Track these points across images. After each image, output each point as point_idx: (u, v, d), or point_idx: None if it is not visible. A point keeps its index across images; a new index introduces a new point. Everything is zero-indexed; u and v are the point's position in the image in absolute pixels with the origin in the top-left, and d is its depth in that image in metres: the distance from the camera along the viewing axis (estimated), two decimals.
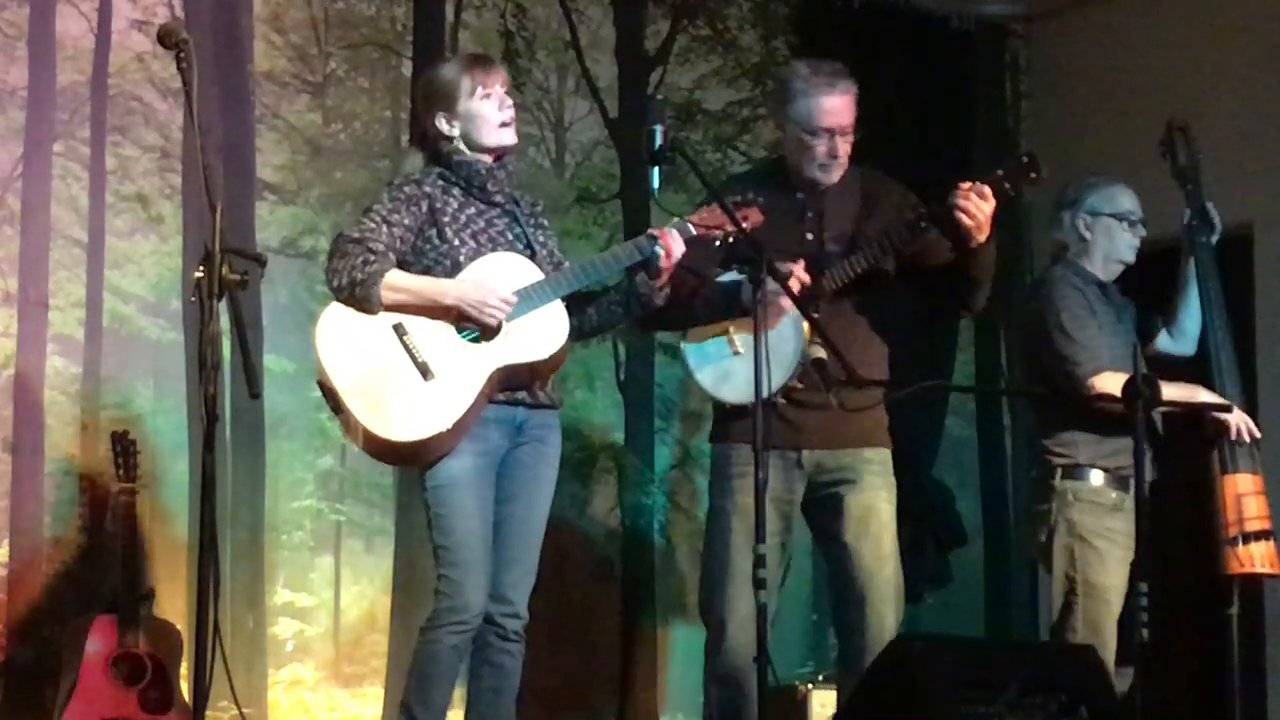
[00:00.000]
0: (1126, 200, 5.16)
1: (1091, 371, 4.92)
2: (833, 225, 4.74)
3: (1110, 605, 4.90)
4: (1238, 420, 4.99)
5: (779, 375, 4.49)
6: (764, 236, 4.44)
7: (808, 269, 4.59)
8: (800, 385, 4.59)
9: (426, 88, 4.59)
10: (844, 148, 4.74)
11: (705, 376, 4.70)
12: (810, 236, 4.74)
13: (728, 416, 4.72)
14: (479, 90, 4.48)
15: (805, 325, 4.49)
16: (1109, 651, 4.82)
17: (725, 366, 4.66)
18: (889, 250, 4.66)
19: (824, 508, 4.73)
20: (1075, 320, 5.00)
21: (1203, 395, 5.00)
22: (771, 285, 4.27)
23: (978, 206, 4.54)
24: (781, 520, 4.65)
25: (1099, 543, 4.96)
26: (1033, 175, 4.65)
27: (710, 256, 4.62)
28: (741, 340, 4.62)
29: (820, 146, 4.71)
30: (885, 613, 4.64)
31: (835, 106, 4.71)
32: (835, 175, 4.77)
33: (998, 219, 4.62)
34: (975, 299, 4.79)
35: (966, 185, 4.56)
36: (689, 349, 4.73)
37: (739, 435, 4.62)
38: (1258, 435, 5.01)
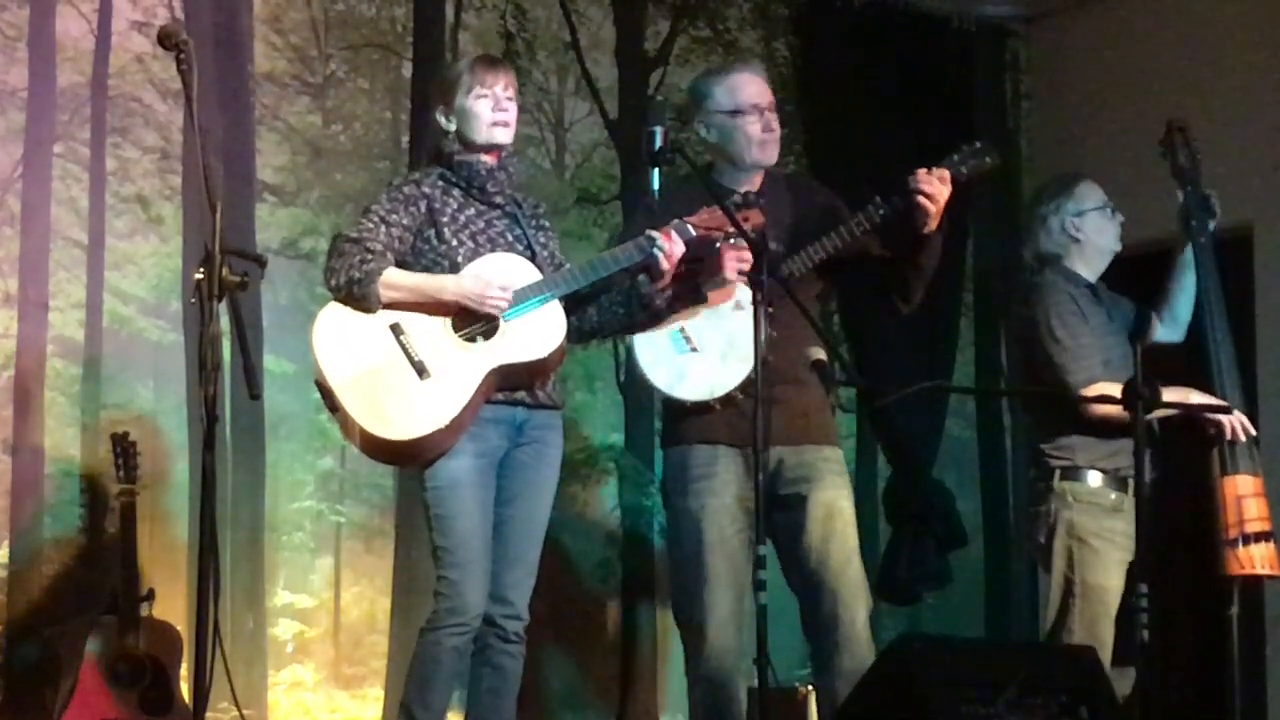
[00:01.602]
0: (1097, 191, 5.19)
1: (1084, 381, 4.91)
2: (772, 223, 4.74)
3: (1108, 607, 4.90)
4: (1233, 420, 4.98)
5: (740, 371, 4.51)
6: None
7: (754, 267, 4.58)
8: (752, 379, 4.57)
9: (436, 81, 4.65)
10: (775, 123, 4.75)
11: (659, 376, 4.64)
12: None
13: (681, 418, 4.68)
14: (476, 89, 4.49)
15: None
16: (1105, 651, 4.81)
17: (680, 364, 4.63)
18: (849, 237, 4.66)
19: (786, 506, 4.67)
20: (1067, 327, 4.99)
21: (1195, 397, 4.98)
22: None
23: (937, 190, 4.58)
24: (747, 517, 4.59)
25: (1097, 544, 4.95)
26: (988, 160, 4.73)
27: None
28: (697, 335, 4.62)
29: (754, 124, 4.71)
30: (857, 609, 4.61)
31: (752, 81, 4.75)
32: (774, 152, 4.77)
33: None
34: (916, 292, 4.78)
35: (924, 171, 4.61)
36: (638, 342, 4.66)
37: (696, 436, 4.63)
38: (1253, 433, 5.00)
